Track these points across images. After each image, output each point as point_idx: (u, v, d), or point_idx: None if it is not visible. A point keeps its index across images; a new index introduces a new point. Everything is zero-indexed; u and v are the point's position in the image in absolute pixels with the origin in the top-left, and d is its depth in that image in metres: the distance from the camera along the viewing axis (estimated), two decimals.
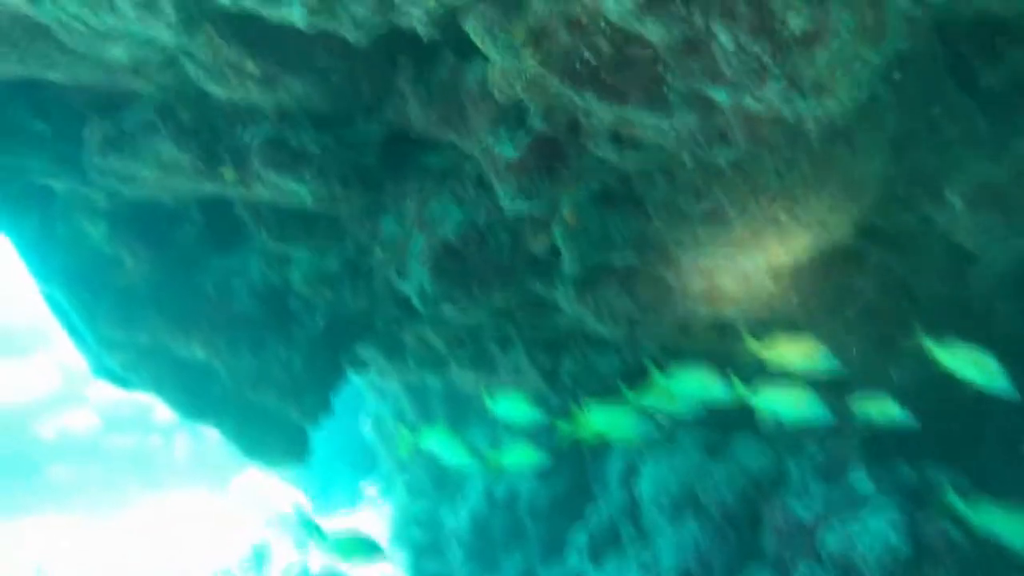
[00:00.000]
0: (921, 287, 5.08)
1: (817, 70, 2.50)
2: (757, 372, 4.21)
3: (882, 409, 4.32)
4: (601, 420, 4.31)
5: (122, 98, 3.72)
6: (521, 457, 5.23)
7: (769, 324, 5.22)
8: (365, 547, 4.95)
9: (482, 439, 7.83)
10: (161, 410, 14.97)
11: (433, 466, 9.11)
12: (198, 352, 4.76)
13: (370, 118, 3.72)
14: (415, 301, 4.10)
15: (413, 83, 3.51)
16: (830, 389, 4.69)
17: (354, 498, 12.20)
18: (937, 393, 4.54)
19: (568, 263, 3.59)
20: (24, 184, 4.14)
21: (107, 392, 15.23)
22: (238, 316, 4.72)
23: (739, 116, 2.75)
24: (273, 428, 5.22)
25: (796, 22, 2.43)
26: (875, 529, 3.98)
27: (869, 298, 5.17)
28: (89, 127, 3.84)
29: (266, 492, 13.66)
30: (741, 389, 3.97)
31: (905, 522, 3.98)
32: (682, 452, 4.88)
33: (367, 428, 10.16)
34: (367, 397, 9.79)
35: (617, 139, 3.14)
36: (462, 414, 8.48)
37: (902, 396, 4.47)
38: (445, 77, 3.48)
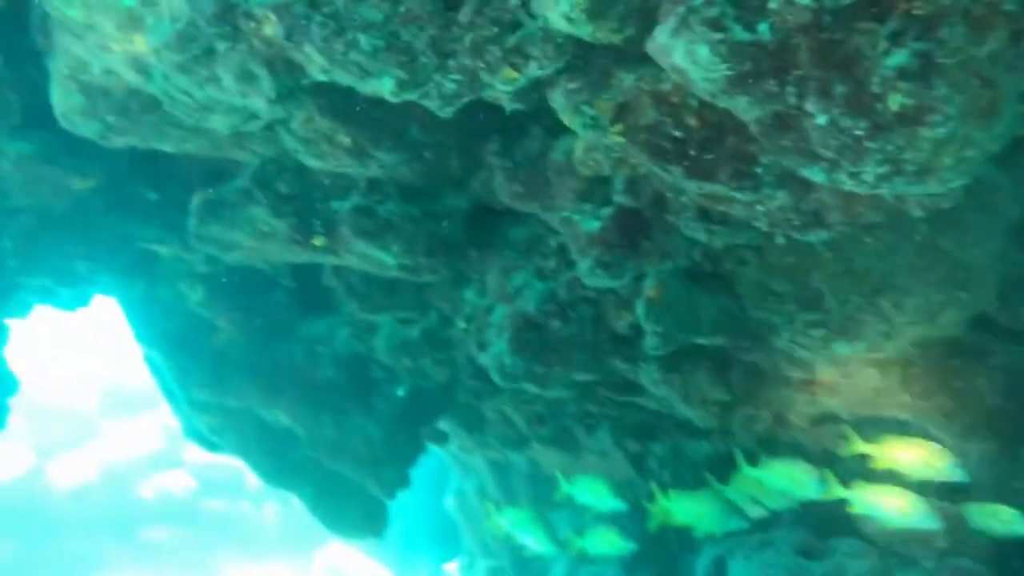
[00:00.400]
0: None
1: (920, 151, 2.36)
2: (863, 473, 3.92)
3: (1006, 522, 3.94)
4: (683, 509, 4.09)
5: (226, 167, 3.91)
6: (604, 543, 5.04)
7: (877, 422, 4.88)
8: None
9: (566, 523, 7.58)
10: (252, 476, 15.19)
11: (515, 548, 8.88)
12: (282, 418, 4.83)
13: (457, 191, 3.77)
14: (493, 374, 4.04)
15: (499, 156, 3.54)
16: (946, 496, 4.30)
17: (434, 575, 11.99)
18: None
19: (651, 342, 3.47)
20: (134, 250, 4.38)
21: (201, 455, 15.72)
22: (322, 383, 4.78)
23: (835, 196, 2.62)
24: (351, 499, 5.20)
25: (896, 100, 2.31)
26: None
27: (991, 400, 4.78)
28: (193, 196, 4.04)
29: (348, 565, 13.59)
30: (837, 487, 3.69)
31: None
32: (775, 551, 4.53)
33: (450, 505, 10.03)
34: (451, 473, 9.71)
35: (705, 216, 3.05)
36: (546, 495, 8.27)
37: None
38: (532, 150, 3.49)
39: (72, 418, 16.79)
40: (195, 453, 15.99)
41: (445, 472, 10.03)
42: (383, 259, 3.77)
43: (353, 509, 5.23)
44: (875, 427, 4.77)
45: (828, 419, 4.98)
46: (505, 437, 6.35)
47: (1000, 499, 4.09)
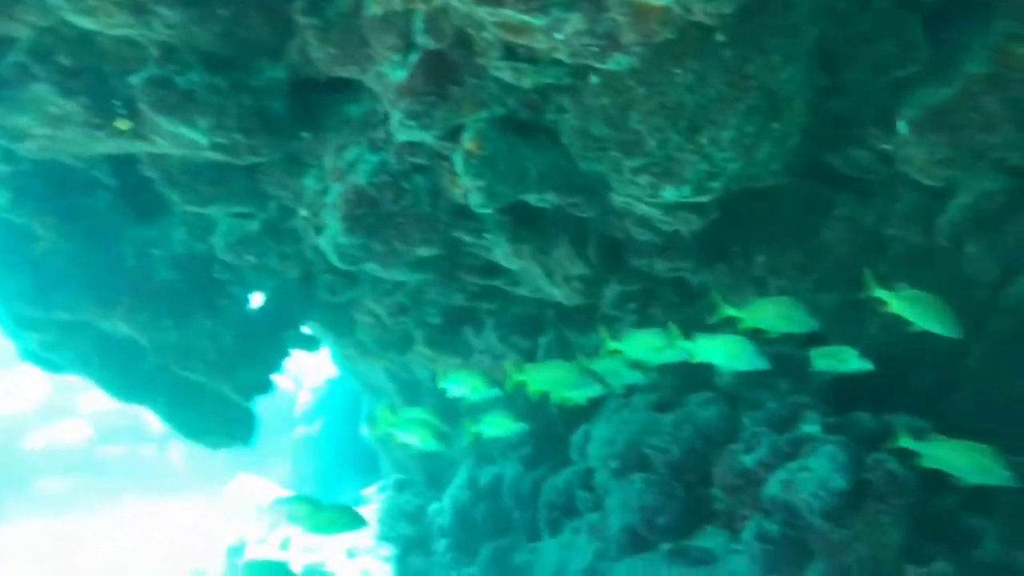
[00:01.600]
0: (889, 236, 4.83)
1: None
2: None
3: (844, 360, 4.14)
4: (538, 377, 4.11)
5: (4, 45, 3.52)
6: (497, 426, 5.11)
7: (738, 287, 4.97)
8: (348, 519, 4.93)
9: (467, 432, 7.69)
10: (154, 419, 14.82)
11: (425, 461, 9.00)
12: (121, 328, 4.55)
13: (272, 60, 3.50)
14: (331, 256, 3.87)
15: (307, 14, 3.29)
16: (801, 345, 4.45)
17: (354, 502, 12.04)
18: (910, 345, 4.28)
19: (474, 198, 3.33)
20: None
21: (98, 403, 15.15)
22: (160, 288, 4.50)
23: (627, 14, 2.51)
24: (209, 407, 5.00)
25: None
26: (819, 472, 3.73)
27: (837, 251, 4.92)
28: None
29: (259, 496, 13.46)
30: (680, 343, 3.77)
31: (850, 463, 3.72)
32: (631, 410, 4.64)
33: (365, 431, 10.02)
34: (364, 400, 9.66)
35: (511, 54, 2.90)
36: (453, 408, 8.32)
37: (875, 350, 4.24)
38: (343, 5, 3.25)
39: None
40: (90, 402, 15.43)
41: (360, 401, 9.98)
42: (194, 138, 3.49)
43: (212, 417, 5.04)
44: (739, 290, 4.89)
45: (690, 284, 5.05)
46: (382, 340, 6.23)
47: (851, 344, 4.27)
